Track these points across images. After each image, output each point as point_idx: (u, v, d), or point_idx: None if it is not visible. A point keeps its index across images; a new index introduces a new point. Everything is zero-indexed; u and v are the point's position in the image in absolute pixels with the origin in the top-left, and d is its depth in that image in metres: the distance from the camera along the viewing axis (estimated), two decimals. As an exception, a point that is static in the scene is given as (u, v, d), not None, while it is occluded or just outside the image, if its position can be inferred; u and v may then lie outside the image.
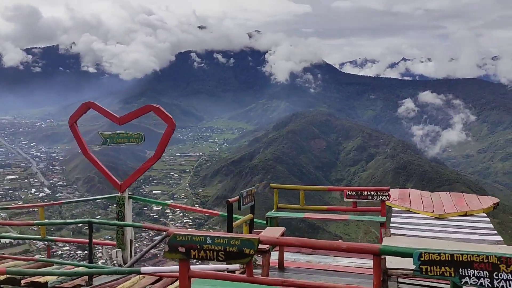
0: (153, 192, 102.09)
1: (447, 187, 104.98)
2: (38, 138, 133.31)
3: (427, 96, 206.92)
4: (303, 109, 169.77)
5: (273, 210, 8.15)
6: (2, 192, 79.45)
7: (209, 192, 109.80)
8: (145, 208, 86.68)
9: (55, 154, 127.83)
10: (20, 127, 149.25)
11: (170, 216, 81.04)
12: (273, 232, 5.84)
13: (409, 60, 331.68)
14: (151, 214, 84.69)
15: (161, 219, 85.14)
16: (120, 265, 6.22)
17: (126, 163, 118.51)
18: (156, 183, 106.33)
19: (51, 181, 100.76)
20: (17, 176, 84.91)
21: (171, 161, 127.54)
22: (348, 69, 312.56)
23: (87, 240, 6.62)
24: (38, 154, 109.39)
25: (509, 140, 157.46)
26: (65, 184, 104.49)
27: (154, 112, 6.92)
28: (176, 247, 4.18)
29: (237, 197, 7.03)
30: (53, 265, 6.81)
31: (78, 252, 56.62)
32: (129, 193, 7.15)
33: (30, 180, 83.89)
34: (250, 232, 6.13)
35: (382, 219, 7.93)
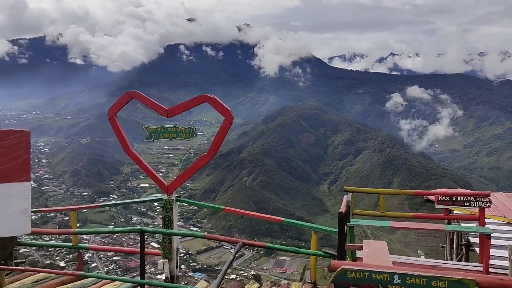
0: (141, 185, 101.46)
1: (434, 182, 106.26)
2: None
3: (415, 91, 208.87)
4: (292, 103, 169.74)
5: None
6: (-14, 185, 78.20)
7: (197, 185, 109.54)
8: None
9: (41, 147, 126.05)
10: (5, 119, 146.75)
11: (157, 210, 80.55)
12: (379, 248, 4.04)
13: (397, 55, 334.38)
14: (139, 208, 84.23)
15: (149, 213, 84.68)
16: (167, 278, 5.59)
17: (114, 156, 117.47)
18: (144, 176, 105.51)
19: (37, 174, 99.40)
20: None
21: (159, 154, 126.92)
22: (337, 63, 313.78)
23: (119, 248, 6.12)
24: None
25: (494, 135, 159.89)
26: (51, 177, 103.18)
27: (209, 103, 5.89)
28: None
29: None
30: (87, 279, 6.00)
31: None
32: (176, 195, 6.30)
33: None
34: (341, 248, 4.64)
35: (487, 230, 6.65)
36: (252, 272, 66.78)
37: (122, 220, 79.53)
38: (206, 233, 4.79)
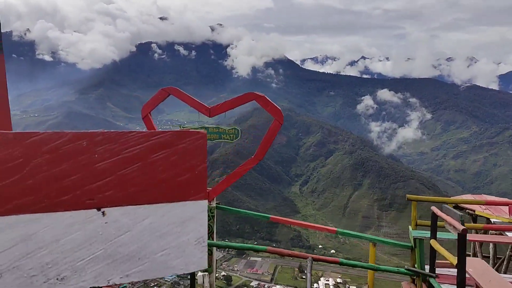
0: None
1: (402, 184, 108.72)
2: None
3: (385, 94, 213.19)
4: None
5: (411, 227, 5.77)
6: None
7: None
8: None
9: None
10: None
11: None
12: (485, 268, 3.59)
13: (368, 58, 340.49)
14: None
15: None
16: None
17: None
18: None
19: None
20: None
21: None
22: (309, 66, 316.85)
23: None
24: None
25: (460, 139, 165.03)
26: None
27: (257, 101, 5.04)
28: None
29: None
30: None
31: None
32: (216, 202, 5.64)
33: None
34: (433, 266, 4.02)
35: None
36: (223, 273, 66.33)
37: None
38: (268, 247, 4.01)
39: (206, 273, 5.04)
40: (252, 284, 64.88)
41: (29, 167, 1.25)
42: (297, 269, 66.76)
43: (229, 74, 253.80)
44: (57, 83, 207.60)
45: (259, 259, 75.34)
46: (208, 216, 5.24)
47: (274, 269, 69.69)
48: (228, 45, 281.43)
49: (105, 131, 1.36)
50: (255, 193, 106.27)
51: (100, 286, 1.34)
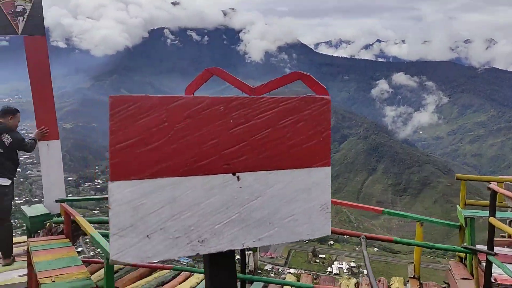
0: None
1: (417, 168, 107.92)
2: None
3: (400, 78, 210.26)
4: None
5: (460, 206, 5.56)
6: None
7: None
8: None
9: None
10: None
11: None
12: None
13: (383, 41, 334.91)
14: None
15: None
16: (252, 271, 5.07)
17: (97, 142, 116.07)
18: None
19: (20, 158, 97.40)
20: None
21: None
22: (323, 50, 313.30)
23: None
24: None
25: (477, 122, 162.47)
26: (35, 161, 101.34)
27: (303, 81, 4.99)
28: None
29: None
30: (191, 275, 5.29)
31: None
32: None
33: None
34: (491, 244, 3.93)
35: None
36: (237, 257, 67.10)
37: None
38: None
39: (251, 252, 5.09)
40: (266, 267, 65.64)
41: (173, 132, 1.27)
42: (310, 253, 67.18)
43: (242, 59, 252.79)
44: (72, 70, 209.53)
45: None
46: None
47: (288, 253, 70.21)
48: (241, 30, 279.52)
49: (239, 96, 1.38)
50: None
51: (236, 248, 1.38)
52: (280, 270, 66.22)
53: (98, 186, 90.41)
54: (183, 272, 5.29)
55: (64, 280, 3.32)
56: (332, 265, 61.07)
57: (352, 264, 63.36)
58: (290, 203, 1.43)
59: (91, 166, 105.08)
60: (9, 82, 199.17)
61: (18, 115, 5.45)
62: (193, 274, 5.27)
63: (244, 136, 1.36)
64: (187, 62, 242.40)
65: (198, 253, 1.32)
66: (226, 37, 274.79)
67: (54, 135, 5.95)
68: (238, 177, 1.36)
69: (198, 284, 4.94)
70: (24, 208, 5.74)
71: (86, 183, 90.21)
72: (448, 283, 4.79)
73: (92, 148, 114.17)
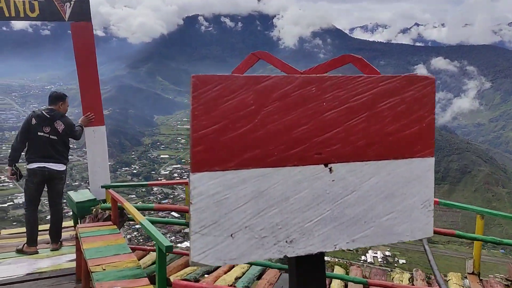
0: (161, 156, 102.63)
1: (457, 156, 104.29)
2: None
3: (439, 62, 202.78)
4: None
5: None
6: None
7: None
8: (153, 172, 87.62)
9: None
10: (30, 90, 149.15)
11: (177, 180, 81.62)
12: None
13: (421, 25, 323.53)
14: (159, 178, 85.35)
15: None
16: None
17: (135, 127, 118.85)
18: (164, 147, 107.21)
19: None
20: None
21: (178, 126, 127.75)
22: (359, 34, 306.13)
23: None
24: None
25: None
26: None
27: (354, 64, 4.81)
28: None
29: None
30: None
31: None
32: None
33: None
34: None
35: None
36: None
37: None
38: None
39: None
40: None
41: (260, 116, 1.10)
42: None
43: (276, 45, 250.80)
44: (109, 58, 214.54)
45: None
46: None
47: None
48: (275, 16, 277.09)
49: (334, 75, 1.19)
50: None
51: (327, 250, 1.20)
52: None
53: (135, 171, 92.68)
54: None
55: (114, 268, 3.27)
56: (366, 254, 60.27)
57: (387, 253, 62.39)
58: (388, 199, 1.23)
59: (128, 152, 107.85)
60: (51, 70, 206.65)
61: (67, 101, 5.49)
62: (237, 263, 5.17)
63: (338, 121, 1.17)
64: (221, 49, 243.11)
65: (285, 255, 1.16)
66: (260, 23, 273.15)
67: (100, 121, 5.97)
68: (330, 169, 1.18)
69: (243, 274, 4.83)
70: (71, 193, 5.80)
71: (123, 168, 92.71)
72: (511, 281, 4.47)
73: (129, 134, 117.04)
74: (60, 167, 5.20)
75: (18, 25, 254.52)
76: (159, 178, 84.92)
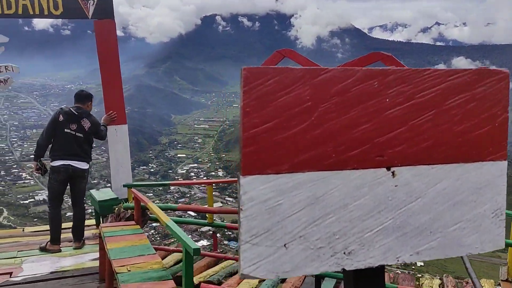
0: (178, 155, 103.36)
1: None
2: (68, 100, 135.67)
3: (461, 62, 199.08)
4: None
5: None
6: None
7: (232, 157, 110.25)
8: (170, 171, 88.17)
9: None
10: (51, 89, 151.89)
11: (194, 179, 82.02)
12: None
13: (442, 24, 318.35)
14: (176, 177, 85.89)
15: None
16: None
17: (152, 127, 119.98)
18: (181, 146, 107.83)
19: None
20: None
21: (195, 125, 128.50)
22: (378, 34, 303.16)
23: None
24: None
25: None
26: (94, 145, 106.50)
27: (384, 62, 4.67)
28: None
29: None
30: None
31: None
32: None
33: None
34: None
35: None
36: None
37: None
38: None
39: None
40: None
41: (317, 113, 1.01)
42: None
43: (293, 44, 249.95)
44: (128, 58, 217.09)
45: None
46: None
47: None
48: (292, 15, 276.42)
49: (398, 68, 1.06)
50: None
51: (389, 264, 1.08)
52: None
53: (152, 170, 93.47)
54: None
55: (139, 269, 3.20)
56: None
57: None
58: (456, 207, 1.10)
59: (146, 151, 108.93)
60: (71, 69, 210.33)
61: (92, 100, 5.49)
62: (261, 265, 5.07)
63: (402, 120, 1.05)
64: (239, 49, 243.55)
65: (343, 268, 1.04)
66: (277, 23, 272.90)
67: (122, 119, 5.94)
68: (393, 173, 1.05)
69: (267, 276, 4.73)
70: (93, 192, 5.78)
71: (141, 167, 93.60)
72: None
73: (146, 133, 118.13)
74: (84, 165, 5.18)
75: (39, 25, 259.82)
76: (176, 177, 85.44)
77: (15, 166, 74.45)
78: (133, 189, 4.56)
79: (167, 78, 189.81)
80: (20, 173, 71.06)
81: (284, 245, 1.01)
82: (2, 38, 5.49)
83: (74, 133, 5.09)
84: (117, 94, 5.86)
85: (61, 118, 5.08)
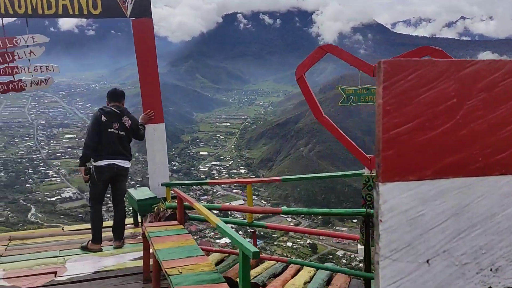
0: (200, 153, 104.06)
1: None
2: (92, 99, 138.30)
3: (487, 57, 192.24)
4: (351, 71, 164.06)
5: None
6: (61, 150, 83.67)
7: (254, 154, 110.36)
8: (192, 169, 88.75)
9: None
10: (76, 88, 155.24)
11: (216, 177, 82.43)
12: None
13: (468, 18, 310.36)
14: (198, 175, 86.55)
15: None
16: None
17: (174, 124, 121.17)
18: (203, 144, 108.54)
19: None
20: (75, 135, 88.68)
21: (217, 123, 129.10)
22: (401, 29, 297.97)
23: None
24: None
25: None
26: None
27: (433, 56, 4.36)
28: None
29: None
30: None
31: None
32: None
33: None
34: None
35: None
36: (309, 241, 67.02)
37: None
38: None
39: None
40: (338, 253, 64.72)
41: (462, 111, 0.92)
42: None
43: (315, 41, 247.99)
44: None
45: (345, 229, 74.52)
46: (370, 185, 4.78)
47: (362, 239, 68.35)
48: (314, 12, 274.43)
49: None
50: (340, 163, 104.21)
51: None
52: (352, 256, 65.07)
53: (175, 168, 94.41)
54: (291, 264, 4.99)
55: (191, 271, 3.14)
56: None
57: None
58: None
59: (168, 148, 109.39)
60: (95, 69, 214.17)
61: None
62: (302, 267, 4.96)
63: None
64: (260, 46, 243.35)
65: (490, 287, 0.96)
66: (299, 20, 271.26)
67: (159, 118, 5.90)
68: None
69: (311, 278, 4.61)
70: (131, 190, 5.78)
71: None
72: None
73: (169, 131, 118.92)
74: (127, 164, 5.19)
75: (65, 26, 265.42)
76: (198, 175, 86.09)
77: (42, 164, 76.39)
78: (177, 190, 4.51)
79: (189, 76, 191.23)
80: (47, 171, 72.89)
81: (427, 261, 0.93)
82: (43, 38, 5.52)
83: (117, 132, 5.09)
84: (155, 93, 5.83)
85: (103, 118, 5.07)
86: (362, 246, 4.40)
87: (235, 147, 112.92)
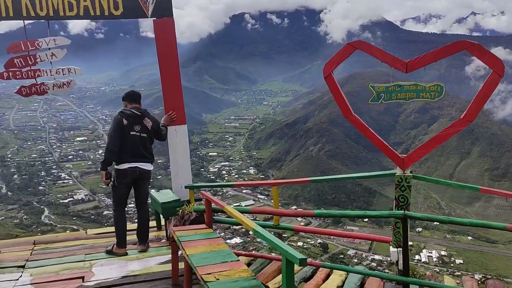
0: (209, 154, 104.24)
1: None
2: (103, 102, 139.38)
3: (499, 53, 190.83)
4: (360, 69, 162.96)
5: None
6: (73, 152, 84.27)
7: (263, 154, 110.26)
8: (202, 170, 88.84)
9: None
10: (86, 91, 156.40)
11: (225, 178, 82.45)
12: None
13: (479, 14, 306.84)
14: (208, 175, 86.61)
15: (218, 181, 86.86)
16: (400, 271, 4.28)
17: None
18: (212, 145, 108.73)
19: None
20: (86, 138, 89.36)
21: (226, 124, 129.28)
22: (411, 26, 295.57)
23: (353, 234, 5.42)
24: (104, 117, 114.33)
25: None
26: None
27: (470, 51, 4.36)
28: None
29: None
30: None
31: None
32: (411, 170, 4.78)
33: (97, 141, 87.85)
34: None
35: None
36: (319, 241, 66.70)
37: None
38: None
39: (400, 249, 4.48)
40: (349, 252, 64.32)
41: None
42: (396, 239, 64.24)
43: (323, 40, 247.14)
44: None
45: (356, 228, 74.08)
46: (402, 186, 4.63)
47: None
48: (322, 10, 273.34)
49: None
50: (351, 162, 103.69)
51: None
52: (364, 255, 64.47)
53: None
54: (321, 268, 4.86)
55: (227, 278, 3.03)
56: (421, 253, 57.90)
57: (443, 253, 59.51)
58: None
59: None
60: (105, 71, 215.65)
61: None
62: (333, 271, 4.83)
63: None
64: (268, 46, 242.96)
65: None
66: (306, 19, 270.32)
67: (182, 119, 5.82)
68: None
69: (343, 282, 4.49)
70: (154, 193, 5.70)
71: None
72: None
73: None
74: (149, 166, 5.11)
75: (75, 29, 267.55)
76: (208, 176, 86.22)
77: (55, 166, 77.10)
78: (205, 193, 4.41)
79: (197, 77, 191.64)
80: (60, 174, 73.56)
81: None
82: (64, 40, 5.47)
83: (139, 134, 5.02)
84: (177, 94, 5.75)
85: (124, 122, 4.99)
86: (395, 249, 4.26)
87: (244, 147, 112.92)
